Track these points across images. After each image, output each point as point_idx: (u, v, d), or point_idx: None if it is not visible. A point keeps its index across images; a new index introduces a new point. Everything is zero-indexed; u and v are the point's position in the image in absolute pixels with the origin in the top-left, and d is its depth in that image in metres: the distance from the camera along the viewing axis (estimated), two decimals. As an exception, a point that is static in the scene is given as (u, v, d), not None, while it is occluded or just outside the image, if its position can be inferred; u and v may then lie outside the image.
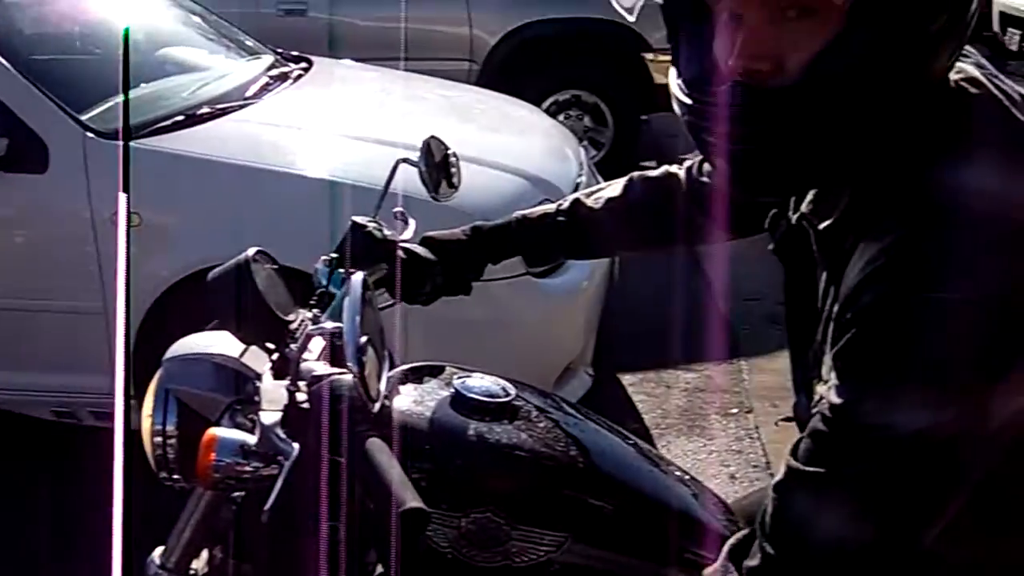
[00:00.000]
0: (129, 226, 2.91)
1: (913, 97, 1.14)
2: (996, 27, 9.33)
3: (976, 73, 1.19)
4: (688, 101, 1.20)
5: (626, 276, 4.12)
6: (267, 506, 1.21)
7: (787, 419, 4.25)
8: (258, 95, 3.84)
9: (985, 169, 1.11)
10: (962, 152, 1.13)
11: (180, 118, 3.50)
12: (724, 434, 3.91)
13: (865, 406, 1.10)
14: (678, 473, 1.51)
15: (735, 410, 4.08)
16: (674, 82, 1.23)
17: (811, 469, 1.14)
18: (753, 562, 1.19)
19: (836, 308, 1.16)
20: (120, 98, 3.39)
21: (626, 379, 4.22)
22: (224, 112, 3.62)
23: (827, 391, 1.15)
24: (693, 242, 1.82)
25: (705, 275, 5.09)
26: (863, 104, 1.13)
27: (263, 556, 1.49)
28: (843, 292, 1.14)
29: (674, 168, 1.70)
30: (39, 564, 2.95)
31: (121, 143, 3.26)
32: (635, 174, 1.72)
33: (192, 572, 1.54)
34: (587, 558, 1.35)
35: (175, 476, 1.46)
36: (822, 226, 1.24)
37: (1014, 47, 9.10)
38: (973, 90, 1.18)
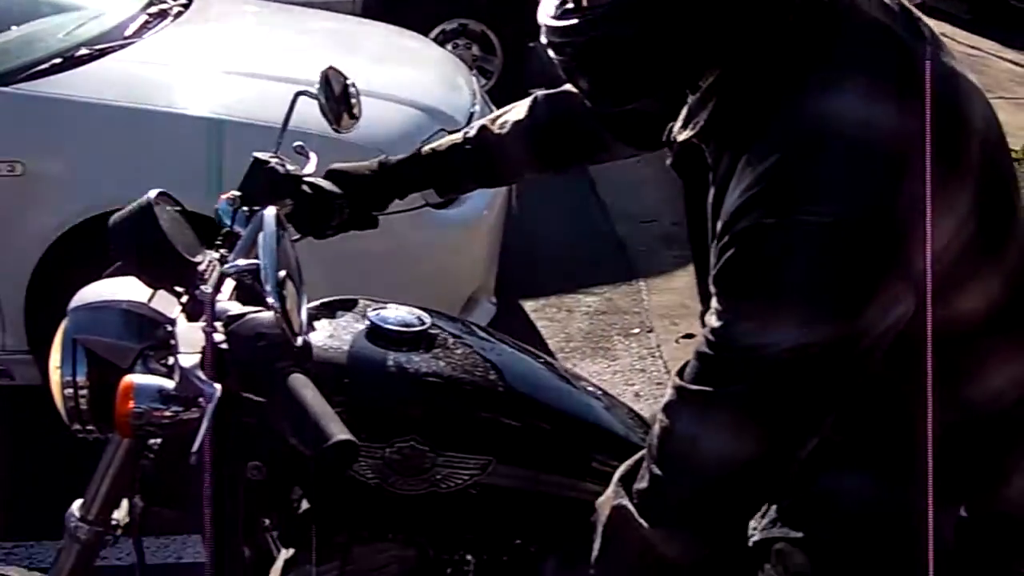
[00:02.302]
0: None
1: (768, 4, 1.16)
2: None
3: None
4: (544, 26, 1.23)
5: (524, 205, 4.13)
6: (194, 448, 1.20)
7: (687, 336, 4.35)
8: (138, 34, 3.70)
9: (854, 96, 1.14)
10: (833, 76, 1.16)
11: (58, 61, 3.36)
12: (627, 354, 3.99)
13: (741, 327, 1.14)
14: (591, 389, 1.54)
15: (636, 330, 4.15)
16: (540, 10, 1.25)
17: (696, 388, 1.18)
18: (642, 484, 1.23)
19: (718, 230, 1.19)
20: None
21: (528, 305, 4.26)
22: (104, 53, 3.49)
23: (708, 314, 1.18)
24: (599, 158, 1.84)
25: (600, 200, 5.15)
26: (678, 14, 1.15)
27: (186, 500, 1.48)
28: (722, 216, 1.18)
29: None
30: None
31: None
32: (539, 93, 1.73)
33: (113, 522, 1.52)
34: (511, 479, 1.37)
35: (89, 427, 1.43)
36: (681, 137, 1.27)
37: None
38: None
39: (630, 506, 1.23)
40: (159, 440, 1.48)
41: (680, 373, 1.21)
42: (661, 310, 4.25)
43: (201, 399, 1.22)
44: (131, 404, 1.26)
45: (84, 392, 1.41)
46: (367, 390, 1.33)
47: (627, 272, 4.53)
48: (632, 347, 4.03)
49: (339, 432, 1.09)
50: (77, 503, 1.50)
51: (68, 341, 1.42)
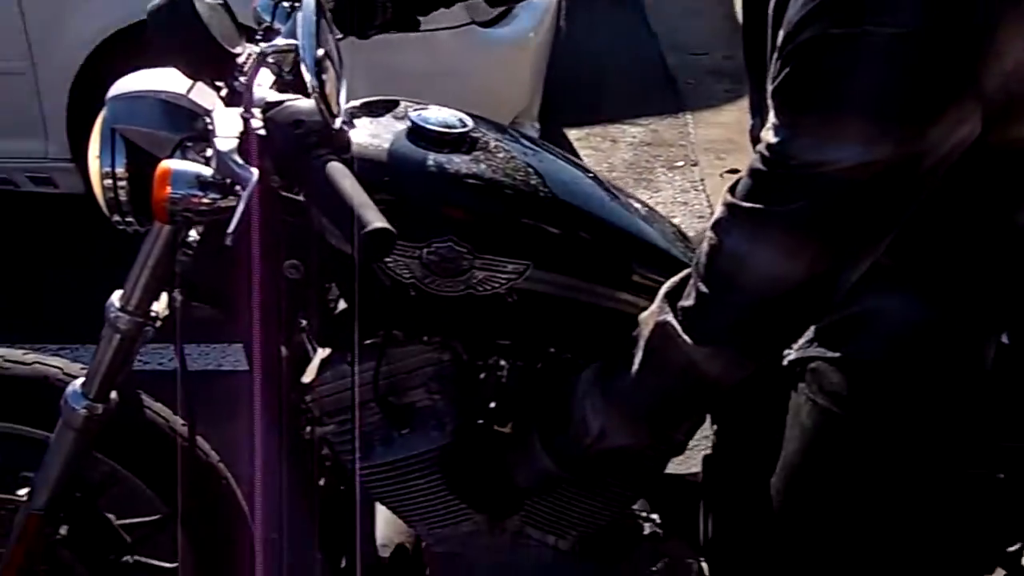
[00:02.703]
0: None
1: None
2: None
3: None
4: None
5: (571, 29, 4.03)
6: (230, 229, 1.19)
7: (732, 171, 4.32)
8: None
9: None
10: None
11: None
12: (670, 187, 3.94)
13: (800, 142, 1.10)
14: (635, 202, 1.52)
15: (681, 163, 4.09)
16: None
17: (748, 205, 1.14)
18: (687, 302, 1.21)
19: (779, 41, 1.13)
20: None
21: (572, 134, 4.20)
22: None
23: (766, 130, 1.14)
24: None
25: (651, 29, 5.01)
26: None
27: (223, 295, 1.49)
28: (785, 26, 1.12)
29: None
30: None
31: None
32: None
33: (152, 314, 1.53)
34: (549, 285, 1.36)
35: (128, 219, 1.43)
36: None
37: None
38: None
39: (674, 322, 1.22)
40: (197, 235, 1.48)
41: (732, 190, 1.18)
42: (707, 144, 4.18)
43: (238, 186, 1.21)
44: (168, 189, 1.25)
45: (123, 182, 1.40)
46: (406, 189, 1.31)
47: (674, 104, 4.44)
48: (675, 180, 3.98)
49: (377, 220, 1.08)
50: (117, 294, 1.51)
51: (106, 131, 1.41)
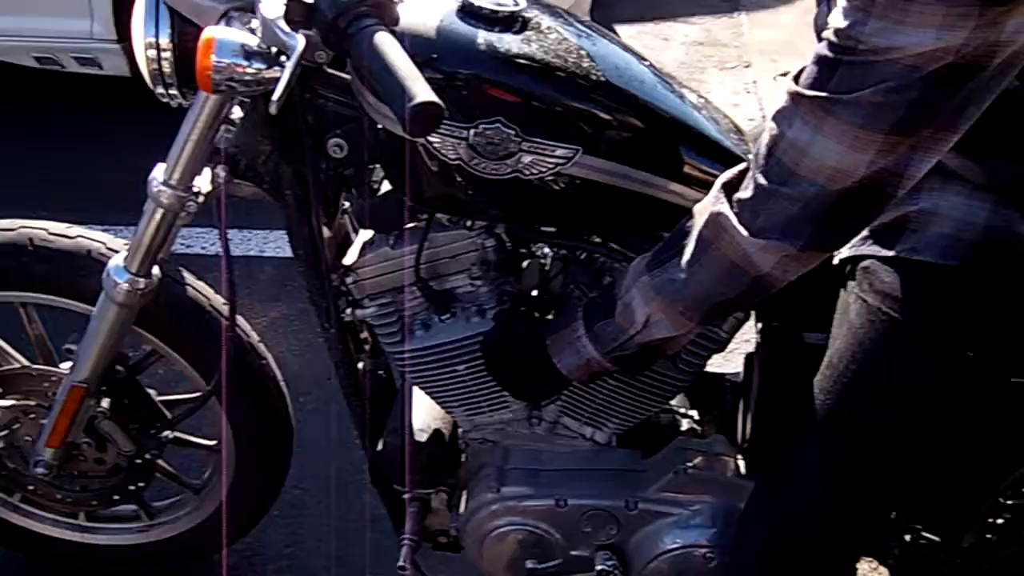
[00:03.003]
0: None
1: None
2: None
3: None
4: None
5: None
6: (274, 97, 1.16)
7: (785, 74, 4.22)
8: None
9: None
10: None
11: None
12: (721, 88, 3.86)
13: (871, 26, 1.05)
14: (691, 94, 1.47)
15: (733, 64, 4.01)
16: None
17: (812, 93, 1.10)
18: (745, 194, 1.18)
19: None
20: None
21: (623, 31, 4.11)
22: None
23: (834, 14, 1.09)
24: None
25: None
26: None
27: (268, 174, 1.47)
28: None
29: None
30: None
31: None
32: None
33: (195, 190, 1.52)
34: (596, 171, 1.33)
35: (171, 91, 1.41)
36: None
37: None
38: None
39: (730, 214, 1.19)
40: (241, 110, 1.46)
41: (796, 78, 1.13)
42: (761, 45, 4.08)
43: (283, 56, 1.18)
44: (213, 57, 1.22)
45: (167, 53, 1.38)
46: (455, 67, 1.27)
47: (729, 3, 4.33)
48: (727, 81, 3.90)
49: (425, 93, 1.05)
50: (160, 167, 1.50)
51: (151, 1, 1.38)
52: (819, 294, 1.39)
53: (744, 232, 1.18)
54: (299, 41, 1.16)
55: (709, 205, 1.22)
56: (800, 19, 4.01)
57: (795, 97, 1.12)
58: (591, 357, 1.34)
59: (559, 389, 1.47)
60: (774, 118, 1.15)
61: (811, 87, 1.10)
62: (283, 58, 1.23)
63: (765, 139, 1.16)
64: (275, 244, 2.98)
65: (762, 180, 1.16)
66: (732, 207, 1.19)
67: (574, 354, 1.35)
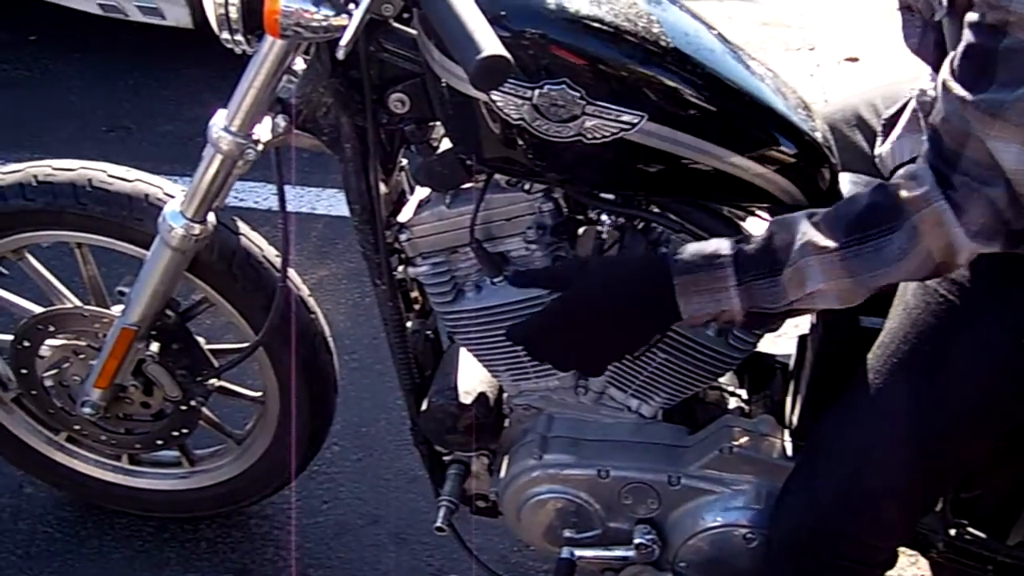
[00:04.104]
0: None
1: None
2: None
3: None
4: None
5: None
6: (342, 42, 1.15)
7: (851, 59, 4.11)
8: None
9: None
10: None
11: None
12: (785, 70, 3.79)
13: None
14: (761, 67, 1.44)
15: (798, 46, 3.94)
16: None
17: (975, 99, 1.06)
18: (953, 192, 1.14)
19: None
20: None
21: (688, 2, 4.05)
22: None
23: None
24: None
25: None
26: None
27: (327, 126, 1.46)
28: None
29: None
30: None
31: None
32: None
33: (254, 137, 1.52)
34: (660, 139, 1.31)
35: (237, 36, 1.40)
36: None
37: None
38: None
39: (949, 211, 1.14)
40: (304, 62, 1.46)
41: (952, 73, 1.10)
42: (826, 28, 4.01)
43: (351, 3, 1.17)
44: (281, 1, 1.21)
45: (235, 1, 1.38)
46: (522, 25, 1.25)
47: (796, -16, 4.26)
48: (791, 64, 3.83)
49: (493, 46, 1.03)
50: (220, 113, 1.50)
51: None
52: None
53: (961, 232, 1.14)
54: None
55: (919, 194, 1.16)
56: (866, 2, 3.94)
57: (961, 102, 1.09)
58: (730, 309, 1.25)
59: (655, 333, 1.40)
60: (949, 115, 1.11)
61: (973, 90, 1.07)
62: (351, 5, 1.22)
63: (946, 129, 1.12)
64: (327, 202, 2.98)
65: (963, 178, 1.12)
66: (947, 199, 1.14)
67: (711, 301, 1.25)
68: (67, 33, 3.71)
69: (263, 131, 1.51)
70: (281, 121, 1.49)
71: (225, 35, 1.41)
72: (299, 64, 1.49)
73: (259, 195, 2.91)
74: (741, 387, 1.70)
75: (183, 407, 1.89)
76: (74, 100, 3.48)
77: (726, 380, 1.69)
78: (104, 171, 1.71)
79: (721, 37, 1.42)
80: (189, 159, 1.61)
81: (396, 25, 1.36)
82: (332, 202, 2.96)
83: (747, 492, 1.55)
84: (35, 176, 1.71)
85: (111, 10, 3.47)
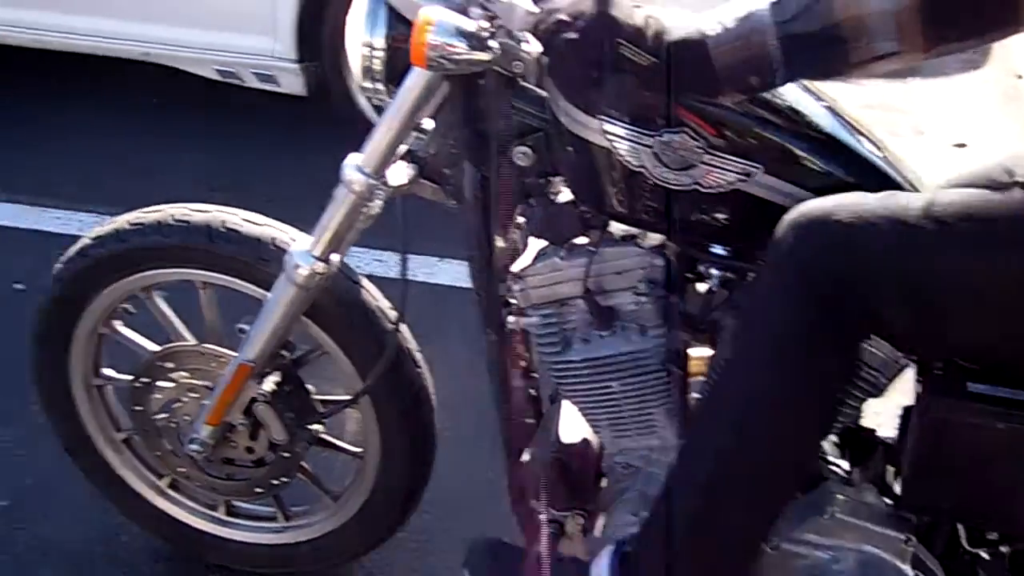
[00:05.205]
0: None
1: None
2: None
3: None
4: None
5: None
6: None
7: (960, 145, 4.00)
8: None
9: None
10: None
11: None
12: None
13: None
14: (867, 142, 1.48)
15: (904, 131, 3.92)
16: None
17: None
18: None
19: None
20: None
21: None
22: None
23: None
24: None
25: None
26: None
27: (452, 176, 1.53)
28: None
29: None
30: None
31: None
32: None
33: (384, 180, 1.58)
34: (774, 192, 1.35)
35: (377, 84, 1.49)
36: None
37: None
38: None
39: None
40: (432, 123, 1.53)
41: None
42: (934, 112, 3.98)
43: (491, 40, 1.24)
44: (429, 34, 1.29)
45: (380, 52, 1.47)
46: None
47: (905, 71, 4.26)
48: (898, 148, 3.81)
49: None
50: (354, 156, 1.57)
51: (374, 2, 1.47)
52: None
53: None
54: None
55: None
56: (977, 87, 3.89)
57: None
58: (759, 28, 1.23)
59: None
60: None
61: None
62: (490, 42, 1.30)
63: None
64: (426, 270, 3.06)
65: None
66: None
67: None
68: (184, 99, 3.91)
69: (392, 177, 1.59)
70: (410, 169, 1.57)
71: (367, 84, 1.50)
72: (427, 123, 1.57)
73: (361, 260, 2.97)
74: (843, 459, 1.69)
75: (285, 454, 1.93)
76: (185, 158, 3.66)
77: (829, 450, 1.68)
78: (236, 215, 1.80)
79: (830, 110, 1.47)
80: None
81: (524, 84, 1.44)
82: (433, 271, 3.05)
83: (847, 559, 1.53)
84: (173, 216, 1.80)
85: (228, 76, 3.62)
